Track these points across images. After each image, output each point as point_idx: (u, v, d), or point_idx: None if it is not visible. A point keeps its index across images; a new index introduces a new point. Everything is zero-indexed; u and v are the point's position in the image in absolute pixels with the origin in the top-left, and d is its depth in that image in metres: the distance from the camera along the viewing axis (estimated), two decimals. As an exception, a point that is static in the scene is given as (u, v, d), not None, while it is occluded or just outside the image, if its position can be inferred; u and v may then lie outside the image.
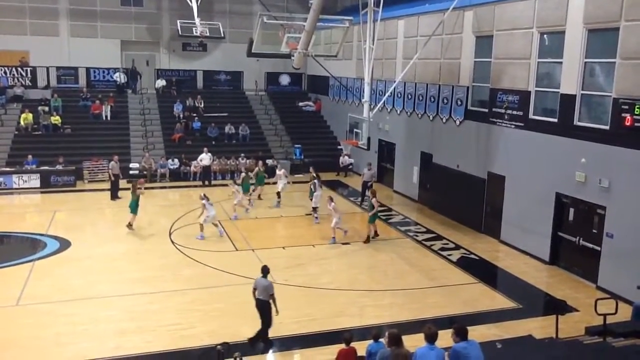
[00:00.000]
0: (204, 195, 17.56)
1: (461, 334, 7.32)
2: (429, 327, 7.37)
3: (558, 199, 15.38)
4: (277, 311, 10.74)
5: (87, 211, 20.69)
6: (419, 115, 22.21)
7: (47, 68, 30.07)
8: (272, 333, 11.31)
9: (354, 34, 24.78)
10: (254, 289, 10.85)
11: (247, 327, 11.35)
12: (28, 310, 12.21)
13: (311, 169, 21.99)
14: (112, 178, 22.24)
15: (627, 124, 13.05)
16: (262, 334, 10.81)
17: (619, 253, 13.39)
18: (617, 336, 10.19)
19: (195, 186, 24.69)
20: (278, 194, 21.35)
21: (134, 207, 18.10)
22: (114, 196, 22.07)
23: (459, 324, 7.55)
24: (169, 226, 18.43)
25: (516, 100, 16.81)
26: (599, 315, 10.32)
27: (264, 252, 15.77)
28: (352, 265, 15.50)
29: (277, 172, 22.03)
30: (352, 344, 9.00)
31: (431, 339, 7.26)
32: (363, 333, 10.30)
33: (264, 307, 10.72)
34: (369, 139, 18.99)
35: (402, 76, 20.81)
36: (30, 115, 26.59)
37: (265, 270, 10.97)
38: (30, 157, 24.00)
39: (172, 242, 16.98)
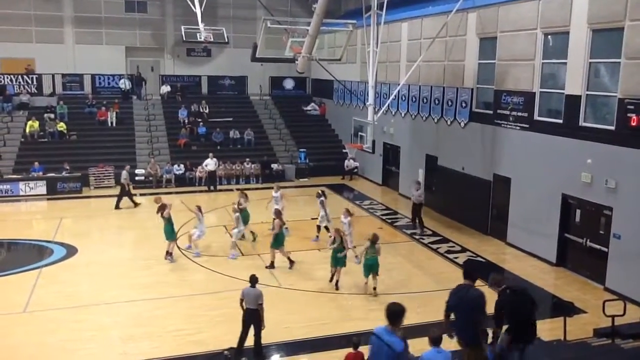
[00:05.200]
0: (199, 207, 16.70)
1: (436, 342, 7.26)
2: (434, 331, 7.34)
3: (564, 200, 15.31)
4: (263, 324, 10.55)
5: (93, 217, 20.76)
6: (424, 118, 22.19)
7: (53, 75, 30.25)
8: (279, 337, 11.33)
9: (357, 38, 24.79)
10: (242, 300, 10.64)
11: (253, 332, 11.35)
12: (35, 317, 12.24)
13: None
14: (127, 188, 21.97)
15: (633, 124, 13.00)
16: (258, 344, 10.62)
17: (626, 254, 13.31)
18: (626, 338, 10.13)
19: (201, 191, 24.73)
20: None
21: (170, 232, 16.09)
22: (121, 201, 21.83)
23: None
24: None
25: (521, 101, 16.76)
26: (607, 316, 10.25)
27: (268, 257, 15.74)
28: (359, 269, 15.43)
29: (274, 194, 19.00)
30: (360, 348, 8.98)
31: (436, 342, 7.23)
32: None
33: (255, 316, 10.52)
34: (373, 142, 18.98)
35: (406, 79, 20.80)
36: (36, 123, 26.73)
37: (253, 280, 10.75)
38: (36, 164, 24.10)
39: (178, 247, 16.97)
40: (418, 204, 19.28)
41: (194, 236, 16.47)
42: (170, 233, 15.99)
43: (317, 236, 17.84)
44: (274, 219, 15.72)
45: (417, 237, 18.51)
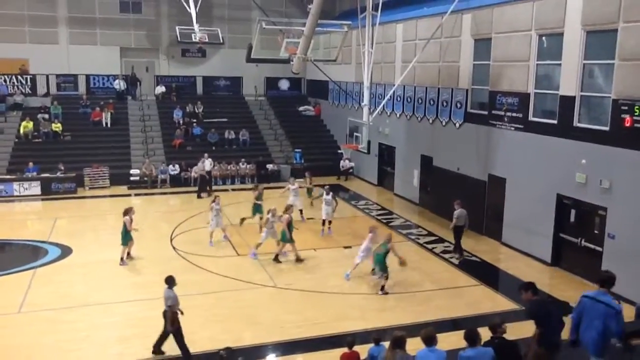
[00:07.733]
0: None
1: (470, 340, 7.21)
2: (428, 330, 7.36)
3: (559, 200, 15.37)
4: (165, 327, 10.41)
5: (88, 218, 20.69)
6: (419, 119, 22.23)
7: (47, 76, 30.15)
8: (274, 338, 11.33)
9: (352, 38, 24.84)
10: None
11: (249, 332, 11.39)
12: (30, 318, 12.19)
13: (307, 174, 22.46)
14: (207, 177, 24.68)
15: (627, 124, 13.07)
16: (159, 343, 10.57)
17: (620, 254, 13.36)
18: (621, 337, 10.14)
19: (196, 192, 24.66)
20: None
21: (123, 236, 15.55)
22: (203, 192, 23.64)
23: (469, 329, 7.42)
24: (170, 232, 18.41)
25: (516, 102, 16.82)
26: (602, 316, 10.28)
27: (267, 257, 15.73)
28: (355, 269, 15.46)
29: (291, 186, 19.99)
30: (355, 348, 8.99)
31: (429, 341, 7.23)
32: (366, 337, 10.27)
33: (166, 318, 10.41)
34: (369, 142, 19.04)
35: (402, 80, 20.84)
36: (30, 123, 26.62)
37: (167, 281, 10.59)
38: (31, 164, 24.01)
39: (174, 247, 16.96)
40: (457, 227, 16.45)
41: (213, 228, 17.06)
42: (123, 237, 15.50)
43: (323, 229, 18.52)
44: (284, 211, 16.13)
45: (412, 237, 18.53)
